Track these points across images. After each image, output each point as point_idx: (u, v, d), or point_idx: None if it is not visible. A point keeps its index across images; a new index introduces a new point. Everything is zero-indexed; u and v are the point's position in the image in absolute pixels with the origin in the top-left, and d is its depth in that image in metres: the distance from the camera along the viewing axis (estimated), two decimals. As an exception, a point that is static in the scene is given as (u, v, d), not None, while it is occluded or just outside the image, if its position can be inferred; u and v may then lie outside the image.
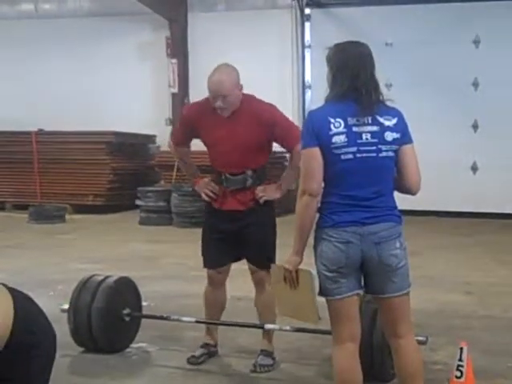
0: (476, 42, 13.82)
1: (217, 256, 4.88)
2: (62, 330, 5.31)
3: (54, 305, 5.85)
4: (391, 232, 3.60)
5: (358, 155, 3.48)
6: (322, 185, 3.54)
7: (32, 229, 12.32)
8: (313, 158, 3.48)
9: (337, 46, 3.67)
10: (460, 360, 3.98)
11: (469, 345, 3.98)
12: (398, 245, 3.62)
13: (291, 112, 14.77)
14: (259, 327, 5.00)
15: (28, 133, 14.57)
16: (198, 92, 16.19)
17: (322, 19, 14.64)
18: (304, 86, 14.84)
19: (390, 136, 3.56)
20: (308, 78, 14.81)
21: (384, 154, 3.54)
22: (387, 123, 3.57)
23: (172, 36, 15.32)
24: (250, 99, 4.85)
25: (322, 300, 3.60)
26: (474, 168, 14.03)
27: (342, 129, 3.47)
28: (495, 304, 6.84)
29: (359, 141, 3.49)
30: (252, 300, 5.14)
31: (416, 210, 13.50)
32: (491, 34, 13.63)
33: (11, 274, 8.22)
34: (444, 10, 13.83)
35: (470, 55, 13.75)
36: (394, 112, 3.64)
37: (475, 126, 13.95)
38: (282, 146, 4.94)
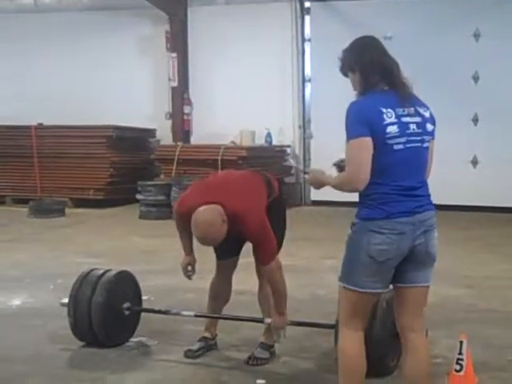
0: (476, 36, 13.80)
1: (226, 247, 4.87)
2: (61, 323, 5.35)
3: (54, 298, 5.87)
4: (433, 221, 3.70)
5: (408, 145, 3.52)
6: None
7: (32, 223, 12.32)
8: (364, 148, 3.42)
9: (354, 44, 3.70)
10: (460, 353, 3.98)
11: (468, 338, 3.98)
12: (436, 234, 3.72)
13: (291, 105, 14.81)
14: (259, 321, 5.01)
15: (28, 127, 14.55)
16: (198, 86, 16.33)
17: (321, 13, 14.61)
18: (304, 80, 14.82)
19: (429, 127, 3.67)
20: (308, 71, 14.78)
21: (426, 144, 3.66)
22: (426, 115, 3.66)
23: (172, 30, 15.31)
24: (234, 216, 4.49)
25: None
26: (475, 162, 14.02)
27: (394, 119, 3.48)
28: (495, 298, 6.85)
29: (408, 131, 3.53)
30: (254, 294, 5.15)
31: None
32: (491, 28, 13.60)
33: (11, 268, 8.25)
34: (444, 3, 13.81)
35: (470, 48, 13.73)
36: (425, 104, 3.72)
37: (475, 120, 13.94)
38: (255, 257, 4.73)
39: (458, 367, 3.99)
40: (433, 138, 3.72)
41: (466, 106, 13.84)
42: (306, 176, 3.87)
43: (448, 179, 13.57)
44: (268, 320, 4.90)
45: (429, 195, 3.71)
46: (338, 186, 3.60)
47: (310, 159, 14.85)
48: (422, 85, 14.06)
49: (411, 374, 3.72)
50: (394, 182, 3.51)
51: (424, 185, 3.68)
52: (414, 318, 3.72)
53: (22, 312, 6.35)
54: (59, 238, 10.63)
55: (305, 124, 14.96)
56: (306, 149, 14.94)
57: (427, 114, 3.67)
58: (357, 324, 3.63)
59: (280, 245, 4.96)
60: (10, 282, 7.53)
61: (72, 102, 15.44)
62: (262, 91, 14.57)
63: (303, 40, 14.81)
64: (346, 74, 3.71)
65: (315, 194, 14.14)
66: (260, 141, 14.54)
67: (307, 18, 14.86)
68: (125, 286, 5.35)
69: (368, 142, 3.42)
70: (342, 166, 3.62)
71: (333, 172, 3.76)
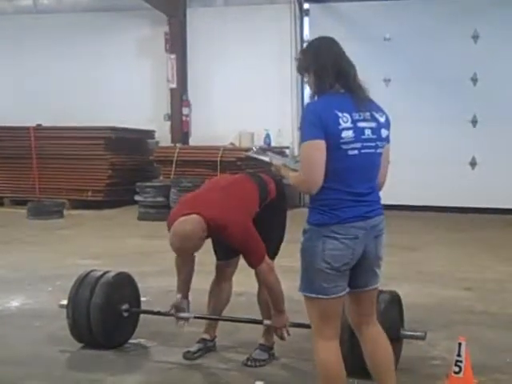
0: (475, 37, 13.82)
1: (226, 248, 4.88)
2: (60, 325, 5.35)
3: (53, 300, 5.87)
4: (383, 225, 3.65)
5: (362, 151, 3.47)
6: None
7: (30, 224, 12.32)
8: (318, 150, 3.38)
9: (312, 44, 3.67)
10: (458, 355, 3.98)
11: (467, 340, 3.98)
12: (385, 237, 3.69)
13: (290, 107, 14.82)
14: (258, 323, 5.01)
15: (26, 128, 14.54)
16: (196, 87, 16.32)
17: (320, 14, 14.64)
18: (303, 81, 14.79)
19: (384, 133, 3.59)
20: (307, 73, 14.79)
21: (379, 150, 3.57)
22: (381, 120, 3.59)
23: (171, 31, 15.33)
24: (217, 226, 4.52)
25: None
26: (473, 163, 14.02)
27: (349, 124, 3.43)
28: (494, 300, 6.84)
29: (363, 136, 3.47)
30: (253, 295, 5.15)
31: (414, 205, 13.53)
32: (490, 29, 13.64)
33: (10, 269, 8.24)
34: (443, 4, 13.84)
35: (468, 50, 13.76)
36: (381, 108, 3.66)
37: (474, 121, 13.95)
38: (245, 261, 4.71)
39: (456, 369, 3.99)
40: (387, 143, 3.64)
41: (465, 108, 13.85)
42: (272, 169, 3.82)
43: (447, 181, 13.62)
44: (267, 321, 4.89)
45: (379, 201, 3.64)
46: (294, 185, 3.58)
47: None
48: (420, 86, 14.12)
49: (378, 361, 3.73)
50: (347, 187, 3.47)
51: (375, 190, 3.61)
52: (369, 315, 3.75)
53: (21, 313, 6.34)
54: (58, 240, 10.62)
55: (303, 125, 14.97)
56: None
57: (383, 119, 3.59)
58: (329, 333, 3.57)
59: (278, 247, 4.97)
60: (9, 283, 7.52)
61: (71, 103, 15.45)
62: (261, 92, 14.58)
63: (302, 41, 14.80)
64: (302, 74, 3.69)
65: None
66: (259, 142, 14.55)
67: (306, 20, 14.90)
68: (123, 287, 5.34)
69: (321, 144, 3.37)
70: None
71: None
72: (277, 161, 3.83)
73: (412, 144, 13.05)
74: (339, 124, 3.40)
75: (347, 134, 3.41)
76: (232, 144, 14.09)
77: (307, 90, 15.26)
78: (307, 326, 4.96)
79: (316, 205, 3.51)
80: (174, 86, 15.42)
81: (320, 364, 3.61)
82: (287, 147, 14.69)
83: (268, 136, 14.61)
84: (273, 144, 14.63)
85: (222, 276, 5.14)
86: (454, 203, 13.53)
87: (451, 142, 13.74)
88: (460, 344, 3.98)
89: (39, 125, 14.76)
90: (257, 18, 14.81)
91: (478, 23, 13.73)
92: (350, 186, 3.47)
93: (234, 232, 4.50)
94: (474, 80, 13.89)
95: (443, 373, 4.30)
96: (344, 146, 3.42)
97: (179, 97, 15.47)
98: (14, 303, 6.68)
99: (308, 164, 3.41)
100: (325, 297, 3.49)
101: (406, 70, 13.80)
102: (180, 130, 15.51)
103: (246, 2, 15.13)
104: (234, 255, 5.04)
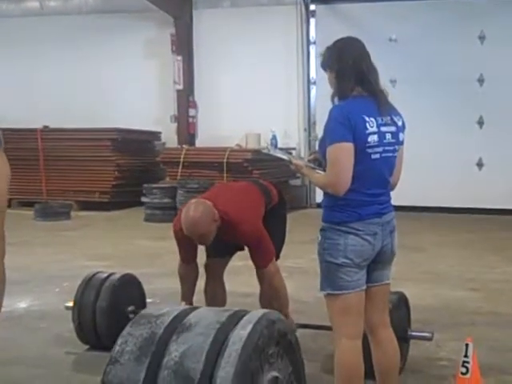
0: (481, 38, 13.80)
1: (220, 246, 4.89)
2: (67, 326, 5.36)
3: (60, 301, 5.88)
4: (395, 221, 3.72)
5: (383, 155, 3.54)
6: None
7: (38, 226, 12.35)
8: (348, 153, 3.41)
9: (337, 44, 3.67)
10: (465, 356, 3.97)
11: (474, 341, 3.97)
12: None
13: (296, 108, 14.83)
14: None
15: (33, 130, 14.60)
16: (203, 88, 16.33)
17: (326, 15, 14.64)
18: (309, 82, 14.84)
19: (401, 136, 3.67)
20: (313, 74, 14.81)
21: (396, 153, 3.64)
22: (399, 123, 3.65)
23: (177, 33, 15.35)
24: (229, 221, 4.58)
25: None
26: (480, 164, 14.00)
27: (375, 128, 3.48)
28: (501, 300, 6.83)
29: (384, 141, 3.54)
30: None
31: (421, 206, 13.52)
32: (496, 30, 13.61)
33: (17, 270, 8.25)
34: (449, 5, 13.81)
35: (475, 51, 13.73)
36: (399, 113, 3.70)
37: (480, 123, 13.93)
38: (253, 262, 4.76)
39: (463, 370, 3.98)
40: (402, 145, 3.72)
41: (472, 109, 13.83)
42: (292, 167, 3.83)
43: (453, 182, 13.60)
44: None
45: (390, 199, 3.72)
46: (320, 187, 3.61)
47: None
48: (426, 87, 14.09)
49: (383, 366, 3.75)
50: (365, 189, 3.53)
51: (388, 190, 3.70)
52: (382, 313, 3.78)
53: (29, 315, 6.36)
54: (65, 241, 10.64)
55: (310, 126, 14.98)
56: (311, 151, 14.94)
57: (400, 123, 3.65)
58: (352, 330, 3.59)
59: (279, 251, 4.98)
60: (17, 284, 7.51)
61: (77, 104, 15.50)
62: (267, 94, 14.59)
63: (308, 43, 14.84)
64: (325, 70, 3.72)
65: (321, 197, 14.15)
66: (265, 144, 14.54)
67: (312, 21, 14.91)
68: (129, 289, 5.36)
69: (351, 147, 3.42)
70: (318, 158, 3.66)
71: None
72: (296, 160, 3.84)
73: (419, 145, 13.02)
74: (366, 128, 3.45)
75: (373, 139, 3.47)
76: (238, 145, 14.09)
77: (313, 91, 15.20)
78: (313, 327, 4.99)
79: (335, 204, 3.55)
80: (180, 87, 15.44)
81: (341, 364, 3.61)
82: (293, 148, 14.70)
83: (274, 137, 14.61)
84: (279, 145, 14.63)
85: (212, 277, 5.11)
86: (461, 204, 13.51)
87: (458, 143, 13.72)
88: (467, 345, 3.98)
89: (46, 127, 14.80)
90: (263, 20, 14.82)
91: (485, 24, 13.71)
92: (368, 188, 3.54)
93: (247, 230, 4.56)
94: (481, 81, 13.87)
95: (450, 374, 4.30)
96: (369, 150, 3.48)
97: (185, 98, 15.49)
98: (22, 304, 6.70)
99: (338, 166, 3.44)
100: (347, 291, 3.53)
101: (411, 71, 13.78)
102: (186, 131, 15.53)
103: (252, 3, 15.15)
104: (226, 255, 5.04)
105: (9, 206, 13.42)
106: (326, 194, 3.60)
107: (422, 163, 13.30)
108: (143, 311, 2.97)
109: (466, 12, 13.70)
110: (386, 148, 3.54)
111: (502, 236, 11.03)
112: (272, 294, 4.75)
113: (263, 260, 4.63)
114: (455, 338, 5.24)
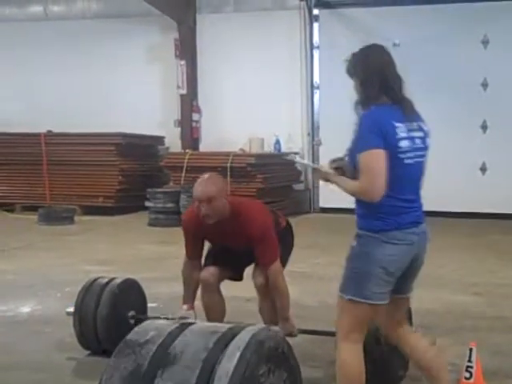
0: (484, 43, 13.80)
1: (214, 258, 4.92)
2: (69, 331, 5.36)
3: (62, 306, 5.88)
4: (429, 233, 3.73)
5: (416, 160, 3.57)
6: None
7: (41, 230, 12.35)
8: (381, 159, 3.41)
9: (363, 51, 3.69)
10: (469, 361, 3.97)
11: (478, 346, 3.97)
12: None
13: (300, 112, 14.82)
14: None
15: (37, 134, 14.61)
16: (206, 93, 16.33)
17: (330, 20, 14.64)
18: (313, 87, 14.83)
19: (428, 141, 3.69)
20: (316, 78, 14.79)
21: (425, 158, 3.67)
22: (425, 129, 3.68)
23: (180, 37, 15.36)
24: (238, 210, 4.68)
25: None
26: (483, 169, 13.99)
27: (405, 134, 3.51)
28: (504, 305, 6.83)
29: (415, 146, 3.56)
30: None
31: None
32: (500, 35, 13.61)
33: (20, 275, 8.27)
34: (452, 10, 13.81)
35: (478, 55, 13.73)
36: (422, 118, 3.73)
37: (484, 127, 13.93)
38: (258, 260, 4.79)
39: (467, 375, 3.99)
40: (428, 150, 3.75)
41: (475, 113, 13.83)
42: (318, 174, 3.83)
43: (457, 186, 13.58)
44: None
45: (422, 207, 3.72)
46: (354, 194, 3.58)
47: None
48: (430, 92, 14.11)
49: (430, 358, 3.79)
50: (402, 195, 3.54)
51: (420, 196, 3.71)
52: (403, 322, 3.87)
53: (31, 319, 6.36)
54: (68, 246, 10.65)
55: (313, 131, 14.97)
56: (314, 156, 14.94)
57: (426, 129, 3.69)
58: (357, 337, 3.62)
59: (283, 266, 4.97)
60: (20, 289, 7.55)
61: (81, 109, 15.50)
62: (271, 98, 14.59)
63: (312, 47, 14.82)
64: (351, 77, 3.73)
65: (324, 202, 14.15)
66: (269, 148, 14.56)
67: (316, 26, 14.89)
68: (129, 294, 5.35)
69: (383, 153, 3.42)
70: (341, 166, 3.65)
71: None
72: (324, 167, 3.80)
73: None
74: (397, 134, 3.47)
75: (404, 144, 3.49)
76: (242, 150, 14.09)
77: (317, 96, 15.20)
78: (316, 333, 4.98)
79: (371, 211, 3.53)
80: (183, 92, 15.44)
81: (343, 366, 3.64)
82: (297, 153, 14.69)
83: (278, 141, 14.61)
84: (283, 150, 14.64)
85: (206, 288, 5.01)
86: (464, 208, 13.50)
87: (461, 148, 13.72)
88: (471, 349, 3.98)
89: (50, 131, 14.82)
90: (266, 24, 14.83)
91: (488, 28, 13.71)
92: (402, 194, 3.55)
93: (255, 225, 4.61)
94: (484, 85, 13.86)
95: (454, 379, 4.28)
96: (401, 156, 3.49)
97: (189, 103, 15.50)
98: (25, 309, 6.71)
99: (371, 173, 3.44)
100: (371, 302, 3.52)
101: (415, 76, 13.72)
102: (190, 135, 15.53)
103: (255, 7, 15.15)
104: (230, 264, 5.02)
105: (13, 211, 13.42)
106: (359, 201, 3.59)
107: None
108: (128, 337, 2.91)
109: (469, 17, 13.70)
110: (417, 153, 3.58)
111: (505, 240, 11.01)
112: (275, 295, 4.74)
113: (268, 257, 4.64)
114: (458, 342, 5.23)
